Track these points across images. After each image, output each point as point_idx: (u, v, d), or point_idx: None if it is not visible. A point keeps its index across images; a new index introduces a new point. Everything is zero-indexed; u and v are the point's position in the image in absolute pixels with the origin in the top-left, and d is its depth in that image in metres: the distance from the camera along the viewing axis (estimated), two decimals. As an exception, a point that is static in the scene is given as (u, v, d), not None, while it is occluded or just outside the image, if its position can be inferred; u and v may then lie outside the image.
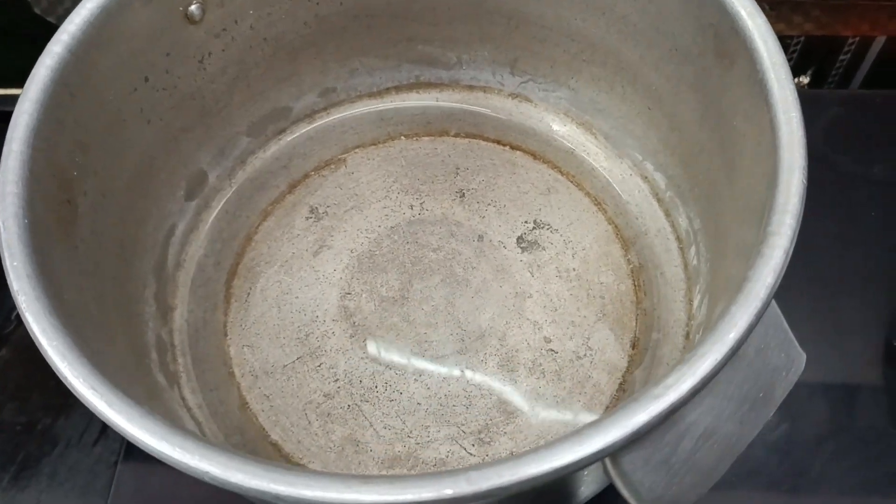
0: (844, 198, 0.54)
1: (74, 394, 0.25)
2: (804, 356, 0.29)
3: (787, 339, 0.28)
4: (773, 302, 0.28)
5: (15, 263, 0.28)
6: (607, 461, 0.26)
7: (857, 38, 0.62)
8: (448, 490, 0.23)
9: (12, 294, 0.27)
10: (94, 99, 0.35)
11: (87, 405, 0.25)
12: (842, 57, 0.64)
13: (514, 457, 0.24)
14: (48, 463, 0.50)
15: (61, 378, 0.26)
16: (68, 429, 0.51)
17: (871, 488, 0.44)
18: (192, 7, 0.39)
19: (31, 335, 0.27)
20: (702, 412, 0.26)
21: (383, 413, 0.40)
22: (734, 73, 0.33)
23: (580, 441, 0.24)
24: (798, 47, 0.63)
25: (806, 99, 0.61)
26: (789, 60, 0.63)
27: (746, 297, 0.26)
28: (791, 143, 0.29)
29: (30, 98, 0.32)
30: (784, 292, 0.48)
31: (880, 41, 0.62)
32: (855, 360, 0.48)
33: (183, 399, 0.40)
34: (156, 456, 0.24)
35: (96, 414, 0.25)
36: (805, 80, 0.65)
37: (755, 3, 0.32)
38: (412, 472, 0.39)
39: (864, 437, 0.45)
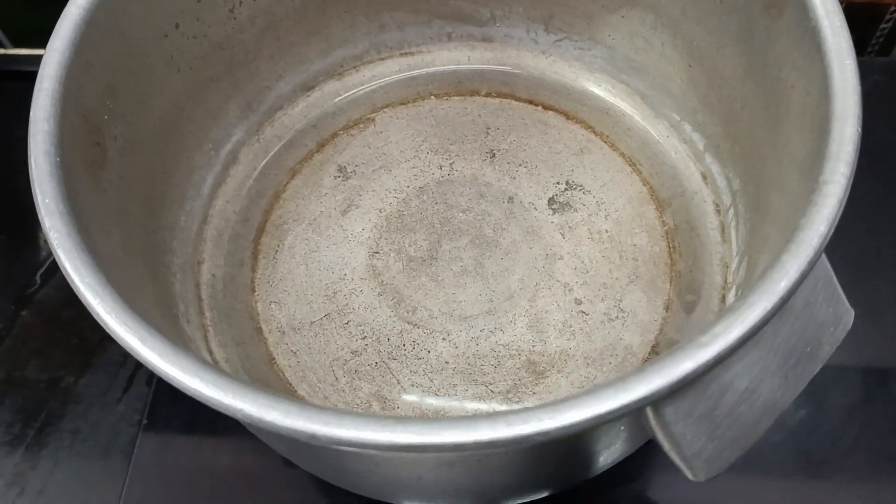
0: (882, 167, 0.53)
1: (106, 329, 0.25)
2: (852, 312, 0.28)
3: (836, 294, 0.27)
4: (824, 255, 0.27)
5: (47, 200, 0.27)
6: (649, 411, 0.25)
7: (900, 5, 0.60)
8: (487, 433, 0.22)
9: (44, 231, 0.27)
10: (124, 42, 0.34)
11: (119, 341, 0.25)
12: (883, 25, 0.62)
13: (555, 402, 0.23)
14: (71, 420, 0.50)
15: (93, 314, 0.25)
16: (91, 387, 0.51)
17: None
18: (224, -47, 0.38)
19: (63, 272, 0.26)
20: (747, 365, 0.25)
21: (411, 371, 0.40)
22: (783, 23, 0.32)
23: (624, 388, 0.23)
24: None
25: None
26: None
27: (799, 246, 0.25)
28: (845, 91, 0.28)
29: (60, 36, 0.31)
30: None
31: (924, 8, 0.60)
32: (891, 336, 0.47)
33: (210, 352, 0.39)
34: (189, 393, 0.24)
35: (128, 350, 0.24)
36: (844, 48, 0.63)
37: (807, -51, 0.31)
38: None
39: (899, 411, 0.44)
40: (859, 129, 0.27)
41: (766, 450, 0.43)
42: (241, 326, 0.41)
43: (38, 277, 0.56)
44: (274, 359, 0.41)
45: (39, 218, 0.27)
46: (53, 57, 0.30)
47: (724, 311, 0.24)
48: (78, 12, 0.32)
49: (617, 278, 0.42)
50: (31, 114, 0.29)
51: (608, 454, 0.37)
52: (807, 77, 0.30)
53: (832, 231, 0.25)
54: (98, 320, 0.25)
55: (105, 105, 0.33)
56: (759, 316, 0.24)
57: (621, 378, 0.23)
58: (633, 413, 0.24)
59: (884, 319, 0.47)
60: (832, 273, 0.27)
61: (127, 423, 0.49)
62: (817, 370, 0.27)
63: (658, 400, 0.24)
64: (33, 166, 0.28)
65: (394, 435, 0.22)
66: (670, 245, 0.43)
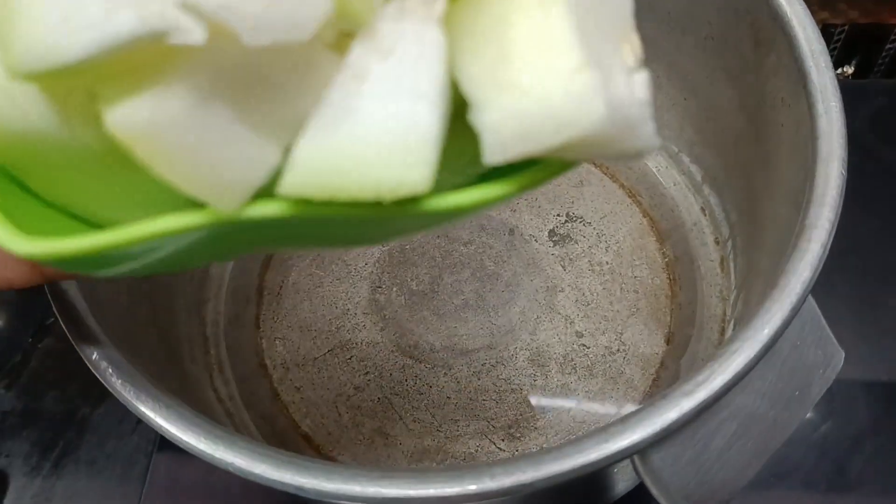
0: (889, 190, 0.53)
1: (106, 386, 0.25)
2: (842, 353, 0.28)
3: (825, 336, 0.27)
4: (811, 297, 0.27)
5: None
6: (636, 459, 0.25)
7: (905, 26, 0.60)
8: (472, 486, 0.23)
9: (46, 288, 0.28)
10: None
11: (118, 398, 0.25)
12: (888, 46, 0.62)
13: (538, 453, 0.23)
14: (87, 451, 0.51)
15: (93, 370, 0.26)
16: (106, 417, 0.52)
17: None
18: None
19: (65, 329, 0.27)
20: (734, 409, 0.26)
21: (413, 406, 0.40)
22: (772, 61, 0.32)
23: (607, 438, 0.23)
24: (842, 36, 0.61)
25: (850, 89, 0.59)
26: (833, 50, 0.62)
27: (781, 292, 0.25)
28: (830, 132, 0.28)
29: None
30: (825, 287, 0.47)
31: (929, 28, 0.60)
32: (897, 358, 0.47)
33: (215, 390, 0.40)
34: (183, 447, 0.24)
35: (127, 406, 0.25)
36: (849, 70, 0.63)
37: (794, -12, 0.31)
38: (441, 465, 0.39)
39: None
40: (844, 172, 0.27)
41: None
42: (245, 363, 0.42)
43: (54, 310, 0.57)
44: (278, 394, 0.41)
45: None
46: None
47: (708, 358, 0.25)
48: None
49: (618, 311, 0.43)
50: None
51: (614, 488, 0.37)
52: (795, 116, 0.30)
53: (816, 276, 0.25)
54: (98, 376, 0.26)
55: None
56: (743, 363, 0.24)
57: (604, 429, 0.23)
58: (619, 462, 0.24)
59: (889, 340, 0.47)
60: (820, 315, 0.27)
61: (141, 454, 0.50)
62: (808, 413, 0.27)
63: (643, 449, 0.24)
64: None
65: (380, 489, 0.23)
66: (671, 277, 0.43)
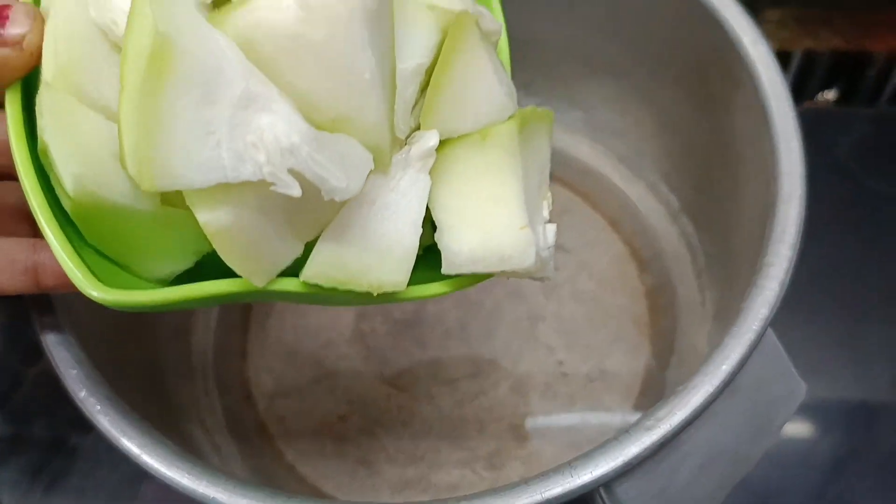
0: (871, 216, 0.53)
1: (91, 421, 0.26)
2: (804, 386, 0.28)
3: (787, 370, 0.28)
4: (772, 333, 0.28)
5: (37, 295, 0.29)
6: (602, 492, 0.26)
7: (884, 54, 0.61)
8: (438, 520, 0.23)
9: (35, 324, 0.28)
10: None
11: (103, 434, 0.26)
12: (870, 73, 0.63)
13: (506, 487, 0.24)
14: (77, 478, 0.51)
15: (78, 405, 0.27)
16: (96, 444, 0.52)
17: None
18: None
19: (52, 365, 0.28)
20: (698, 443, 0.26)
21: (396, 436, 0.41)
22: (739, 100, 0.33)
23: (572, 472, 0.24)
24: (825, 63, 0.62)
25: (832, 116, 0.60)
26: (816, 77, 0.63)
27: (740, 329, 0.26)
28: (791, 172, 0.29)
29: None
30: (809, 311, 0.48)
31: (909, 55, 0.61)
32: (878, 382, 0.47)
33: (201, 421, 0.41)
34: (168, 483, 0.25)
35: (112, 442, 0.26)
36: (832, 96, 0.64)
37: (758, 31, 0.32)
38: (424, 494, 0.39)
39: (885, 461, 0.44)
40: (803, 211, 0.28)
41: None
42: (231, 393, 0.43)
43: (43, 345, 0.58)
44: (264, 425, 0.42)
45: (31, 313, 0.29)
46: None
47: (669, 394, 0.25)
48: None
49: (599, 339, 0.43)
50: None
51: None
52: (760, 153, 0.31)
53: (774, 312, 0.26)
54: (82, 411, 0.27)
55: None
56: (702, 399, 0.25)
57: (569, 463, 0.24)
58: (585, 495, 0.25)
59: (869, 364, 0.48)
60: (781, 349, 0.28)
61: (130, 482, 0.50)
62: (771, 444, 0.28)
63: (608, 482, 0.25)
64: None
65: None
66: (651, 305, 0.44)
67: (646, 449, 0.24)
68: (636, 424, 0.25)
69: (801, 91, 0.64)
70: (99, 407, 0.27)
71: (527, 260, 0.21)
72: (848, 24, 0.59)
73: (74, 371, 0.28)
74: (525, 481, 0.24)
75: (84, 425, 0.52)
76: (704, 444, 0.26)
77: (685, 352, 0.42)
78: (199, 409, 0.41)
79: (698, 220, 0.42)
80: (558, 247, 0.46)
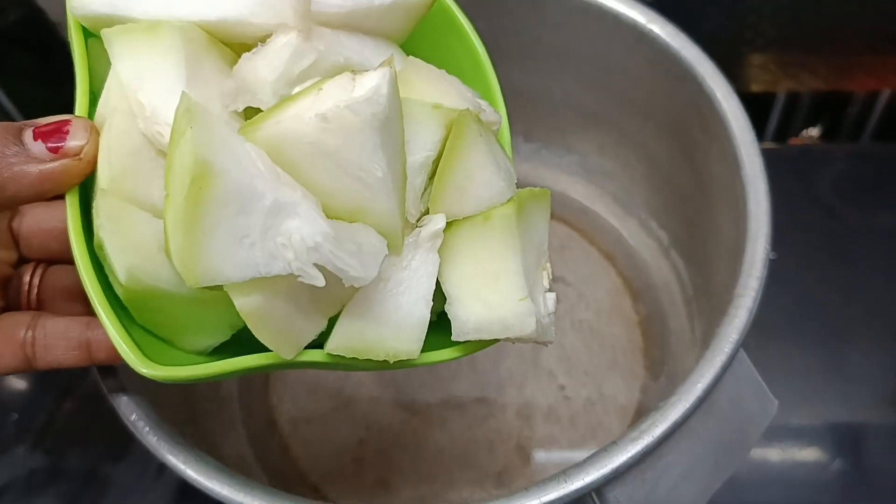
0: (852, 248, 0.57)
1: (142, 442, 0.30)
2: (776, 403, 0.32)
3: (759, 389, 0.32)
4: (744, 355, 0.31)
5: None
6: (594, 497, 0.29)
7: (864, 93, 0.65)
8: (450, 522, 0.27)
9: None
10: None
11: (154, 452, 0.30)
12: (851, 110, 0.67)
13: (505, 495, 0.28)
14: (110, 505, 0.54)
15: (131, 429, 0.30)
16: (127, 474, 0.55)
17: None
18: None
19: (102, 393, 0.31)
20: (679, 454, 0.30)
21: (411, 458, 0.44)
22: (715, 148, 0.37)
23: (566, 479, 0.28)
24: (808, 102, 0.66)
25: (815, 152, 0.64)
26: (800, 114, 0.67)
27: (713, 353, 0.29)
28: (757, 213, 0.32)
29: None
30: (792, 339, 0.51)
31: (886, 94, 0.65)
32: (860, 406, 0.50)
33: (231, 447, 0.44)
34: (210, 494, 0.29)
35: (162, 460, 0.29)
36: (816, 133, 0.68)
37: (729, 87, 0.36)
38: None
39: (870, 478, 0.47)
40: (768, 248, 0.31)
41: None
42: (257, 420, 0.46)
43: (78, 371, 0.61)
44: (288, 449, 0.45)
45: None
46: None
47: (651, 410, 0.29)
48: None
49: (597, 365, 0.47)
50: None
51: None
52: (733, 196, 0.35)
53: (743, 337, 0.30)
54: (135, 434, 0.30)
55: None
56: (680, 413, 0.28)
57: (564, 471, 0.28)
58: (579, 499, 0.28)
59: (852, 389, 0.51)
60: (754, 370, 0.32)
61: (161, 507, 0.54)
62: (745, 455, 0.31)
63: (599, 487, 0.28)
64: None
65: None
66: (644, 333, 0.48)
67: (631, 457, 0.28)
68: (623, 436, 0.28)
69: (786, 129, 0.68)
70: (148, 428, 0.30)
71: (528, 328, 0.23)
72: (825, 68, 0.63)
73: (125, 397, 0.32)
74: (525, 488, 0.28)
75: (115, 455, 0.56)
76: (685, 455, 0.30)
77: (676, 376, 0.45)
78: (227, 435, 0.44)
79: (686, 254, 0.46)
80: (559, 279, 0.50)
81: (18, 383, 0.60)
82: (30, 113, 0.66)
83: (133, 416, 0.31)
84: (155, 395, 0.35)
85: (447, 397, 0.46)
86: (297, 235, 0.20)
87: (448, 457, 0.44)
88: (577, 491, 0.27)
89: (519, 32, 0.45)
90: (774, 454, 0.49)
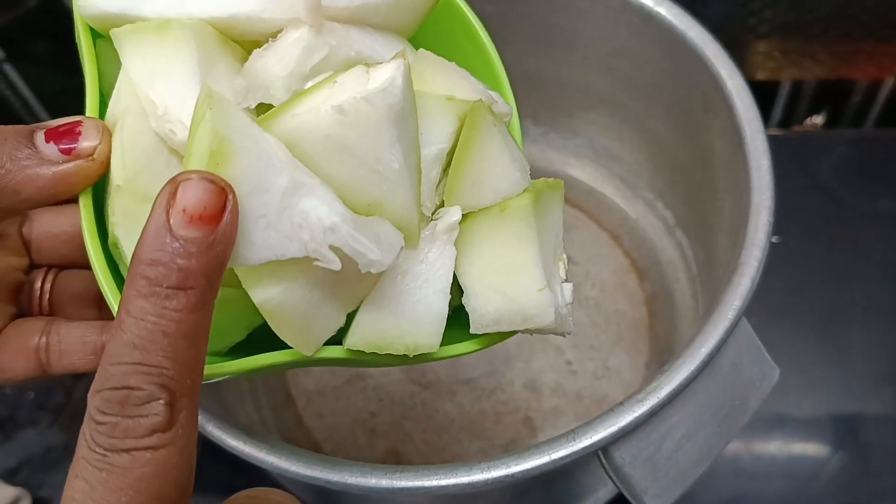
0: (852, 232, 0.58)
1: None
2: (777, 370, 0.33)
3: (761, 355, 0.33)
4: (746, 323, 0.33)
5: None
6: (601, 456, 0.30)
7: (868, 81, 0.66)
8: (464, 478, 0.28)
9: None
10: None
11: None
12: (854, 98, 0.67)
13: (517, 453, 0.29)
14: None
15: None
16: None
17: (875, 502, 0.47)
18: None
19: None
20: (683, 416, 0.31)
21: (422, 429, 0.46)
22: (718, 126, 0.38)
23: (574, 437, 0.29)
24: (812, 90, 0.67)
25: (818, 139, 0.65)
26: (804, 102, 0.68)
27: (717, 318, 0.30)
28: (760, 186, 0.34)
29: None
30: (792, 320, 0.52)
31: (889, 82, 0.66)
32: (860, 389, 0.51)
33: (248, 415, 0.46)
34: (235, 452, 0.30)
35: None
36: (819, 120, 0.69)
37: (734, 67, 0.37)
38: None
39: (868, 462, 0.48)
40: (771, 220, 0.32)
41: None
42: (273, 393, 0.48)
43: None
44: (302, 420, 0.47)
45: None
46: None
47: (658, 373, 0.30)
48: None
49: (603, 341, 0.48)
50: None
51: (596, 490, 0.42)
52: (735, 171, 0.36)
53: (746, 304, 0.31)
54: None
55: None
56: (684, 376, 0.29)
57: (572, 430, 0.29)
58: (587, 457, 0.29)
59: (852, 369, 0.52)
60: (755, 337, 0.33)
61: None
62: (747, 420, 0.32)
63: (605, 446, 0.29)
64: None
65: (393, 481, 0.28)
66: (650, 310, 0.49)
67: (637, 417, 0.29)
68: (629, 398, 0.29)
69: (790, 117, 0.69)
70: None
71: (547, 318, 0.23)
72: (828, 56, 0.64)
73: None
74: (536, 446, 0.29)
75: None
76: (688, 418, 0.31)
77: (682, 351, 0.47)
78: (245, 407, 0.46)
79: (690, 232, 0.47)
80: (567, 258, 0.51)
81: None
82: (48, 99, 0.67)
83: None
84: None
85: (456, 371, 0.47)
86: (314, 215, 0.20)
87: (457, 428, 0.46)
88: (584, 449, 0.29)
89: (527, 16, 0.46)
90: (774, 439, 0.50)
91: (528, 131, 0.55)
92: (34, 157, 0.23)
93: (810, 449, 0.50)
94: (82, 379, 0.60)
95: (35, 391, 0.60)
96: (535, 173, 0.53)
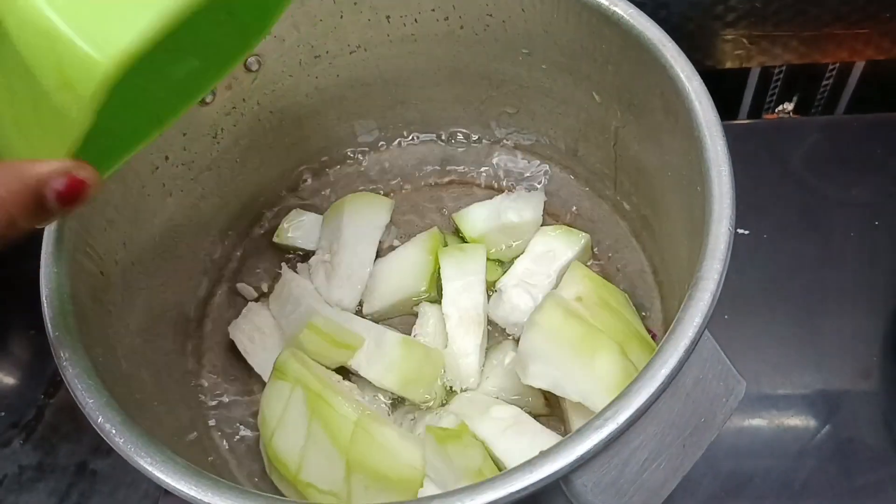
0: (824, 220, 0.57)
1: (110, 444, 0.30)
2: (744, 383, 0.32)
3: (726, 370, 0.32)
4: (710, 337, 0.32)
5: (56, 334, 0.33)
6: (562, 484, 0.29)
7: (838, 65, 0.65)
8: (416, 515, 0.27)
9: (56, 359, 0.32)
10: (120, 180, 0.40)
11: (119, 452, 0.30)
12: (824, 83, 0.67)
13: (475, 485, 0.28)
14: (99, 499, 0.54)
15: (101, 434, 0.30)
16: (116, 469, 0.56)
17: (854, 496, 0.47)
18: (204, 92, 0.44)
19: (73, 395, 0.31)
20: (646, 438, 0.30)
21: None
22: (679, 128, 0.37)
23: (532, 469, 0.28)
24: (781, 76, 0.66)
25: (788, 126, 0.64)
26: (773, 89, 0.67)
27: (676, 336, 0.29)
28: (721, 194, 0.32)
29: (65, 187, 0.37)
30: (766, 312, 0.52)
31: (860, 66, 0.65)
32: (835, 376, 0.51)
33: (210, 439, 0.44)
34: (178, 494, 0.29)
35: (127, 459, 0.30)
36: (790, 107, 0.68)
37: (692, 68, 0.36)
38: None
39: (845, 448, 0.48)
40: (731, 229, 0.31)
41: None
42: (238, 412, 0.47)
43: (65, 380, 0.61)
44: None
45: (52, 349, 0.32)
46: (59, 206, 0.36)
47: (616, 396, 0.29)
48: (79, 164, 0.37)
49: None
50: (42, 256, 0.35)
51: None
52: (697, 176, 0.35)
53: (707, 320, 0.30)
54: (105, 438, 0.30)
55: (106, 236, 0.39)
56: (644, 399, 0.28)
57: (531, 461, 0.28)
58: (546, 488, 0.28)
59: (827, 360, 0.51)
60: (720, 351, 0.32)
61: (149, 500, 0.54)
62: (714, 437, 0.31)
63: (565, 475, 0.28)
64: (45, 305, 0.33)
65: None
66: (619, 313, 0.48)
67: (596, 445, 0.28)
68: (587, 425, 0.28)
69: (760, 104, 0.68)
70: (115, 431, 0.31)
71: None
72: (797, 42, 0.63)
73: (92, 401, 0.32)
74: (491, 479, 0.28)
75: (105, 450, 0.56)
76: (651, 439, 0.30)
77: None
78: (208, 428, 0.45)
79: (656, 236, 0.46)
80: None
81: (6, 379, 0.60)
82: None
83: (99, 419, 0.31)
84: (131, 397, 0.35)
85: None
86: None
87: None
88: (543, 480, 0.27)
89: (486, 19, 0.45)
90: (749, 425, 0.49)
91: (492, 134, 0.53)
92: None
93: (785, 434, 0.49)
94: (55, 397, 0.59)
95: (6, 410, 0.59)
96: (498, 176, 0.52)
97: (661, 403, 0.29)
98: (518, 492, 0.27)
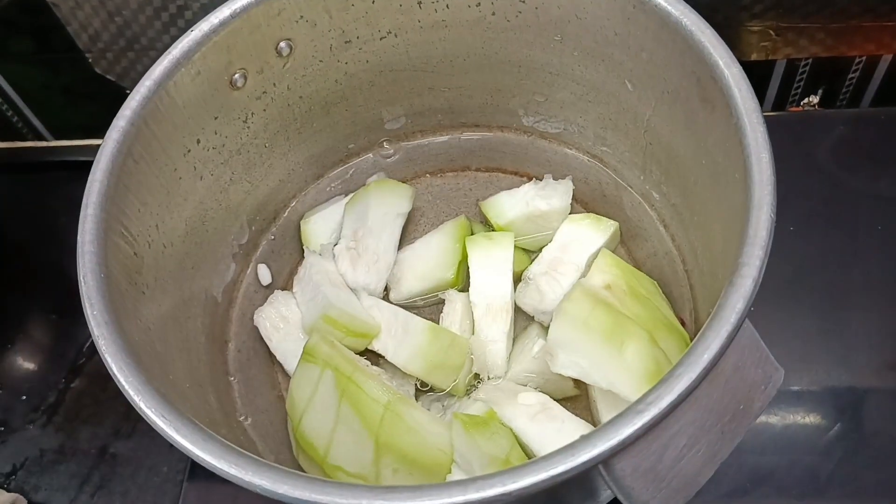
0: (851, 214, 0.57)
1: (148, 422, 0.30)
2: (782, 371, 0.32)
3: (764, 357, 0.32)
4: (749, 324, 0.31)
5: (94, 312, 0.33)
6: (601, 469, 0.29)
7: (864, 58, 0.65)
8: (458, 497, 0.27)
9: (94, 338, 0.32)
10: (154, 163, 0.40)
11: (158, 431, 0.30)
12: (850, 76, 0.66)
13: (516, 467, 0.28)
14: (120, 483, 0.55)
15: (137, 409, 0.30)
16: (138, 451, 0.56)
17: (879, 490, 0.46)
18: (236, 75, 0.44)
19: (111, 374, 0.32)
20: (684, 424, 0.30)
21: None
22: (716, 116, 0.37)
23: (573, 453, 0.28)
24: (807, 69, 0.66)
25: (814, 119, 0.64)
26: (799, 82, 0.66)
27: (718, 322, 0.29)
28: (761, 181, 0.32)
29: (101, 168, 0.37)
30: (792, 306, 0.52)
31: (887, 59, 0.64)
32: (861, 370, 0.51)
33: (238, 421, 0.44)
34: (217, 473, 0.29)
35: (166, 438, 0.30)
36: (815, 99, 0.67)
37: (731, 55, 0.36)
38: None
39: (871, 441, 0.48)
40: (773, 216, 0.31)
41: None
42: (263, 396, 0.47)
43: (84, 350, 0.61)
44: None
45: (89, 328, 0.33)
46: (95, 186, 0.36)
47: (658, 381, 0.29)
48: (113, 145, 0.38)
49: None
50: (79, 237, 0.35)
51: (595, 495, 0.41)
52: (734, 164, 0.35)
53: (749, 306, 0.30)
54: (141, 414, 0.30)
55: (140, 218, 0.39)
56: (686, 385, 0.28)
57: (571, 445, 0.28)
58: (585, 472, 0.28)
59: (853, 354, 0.51)
60: (759, 338, 0.32)
61: (171, 483, 0.54)
62: (751, 423, 0.31)
63: (605, 460, 0.28)
64: (83, 283, 0.33)
65: (384, 502, 0.27)
66: (646, 304, 0.48)
67: (637, 430, 0.28)
68: (629, 409, 0.28)
69: (785, 96, 0.68)
70: (153, 409, 0.31)
71: None
72: (824, 34, 0.63)
73: (131, 380, 0.32)
74: (532, 462, 0.28)
75: (125, 433, 0.57)
76: (690, 425, 0.30)
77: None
78: (236, 412, 0.45)
79: (688, 224, 0.46)
80: (560, 252, 0.50)
81: (27, 363, 0.61)
82: (29, 95, 0.66)
83: (139, 399, 0.31)
84: (165, 379, 0.35)
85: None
86: None
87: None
88: (584, 464, 0.27)
89: (518, 5, 0.44)
90: (775, 419, 0.49)
91: (519, 122, 0.53)
92: None
93: (809, 430, 0.49)
94: (75, 381, 0.60)
95: (27, 393, 0.59)
96: (526, 162, 0.52)
97: (700, 389, 0.29)
98: (559, 475, 0.27)
